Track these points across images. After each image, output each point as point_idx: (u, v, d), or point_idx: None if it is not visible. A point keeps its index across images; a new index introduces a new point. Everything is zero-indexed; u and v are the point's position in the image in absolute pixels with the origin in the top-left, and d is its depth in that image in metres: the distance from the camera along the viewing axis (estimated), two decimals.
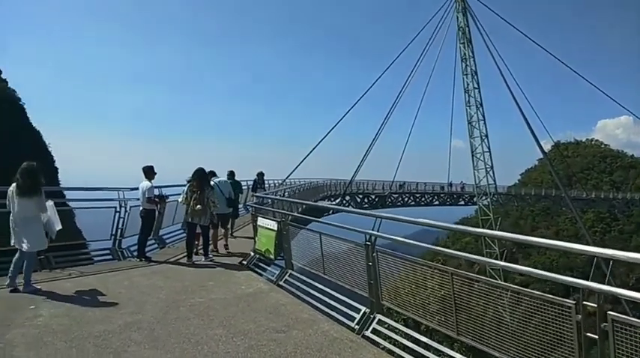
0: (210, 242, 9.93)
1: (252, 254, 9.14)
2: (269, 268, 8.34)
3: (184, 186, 11.57)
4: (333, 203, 35.14)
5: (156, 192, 9.33)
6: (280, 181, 29.15)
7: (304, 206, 15.18)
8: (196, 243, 9.80)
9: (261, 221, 8.59)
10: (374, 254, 5.38)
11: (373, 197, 47.29)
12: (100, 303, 6.09)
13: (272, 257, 8.08)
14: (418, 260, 4.99)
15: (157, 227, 10.25)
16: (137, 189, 9.29)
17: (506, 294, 4.03)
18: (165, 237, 11.28)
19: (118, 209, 9.48)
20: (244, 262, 9.12)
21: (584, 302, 3.23)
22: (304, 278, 7.19)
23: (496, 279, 46.35)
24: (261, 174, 18.76)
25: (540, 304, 3.56)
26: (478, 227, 74.79)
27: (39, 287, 6.56)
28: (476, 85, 50.98)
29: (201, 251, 9.66)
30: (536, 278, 4.55)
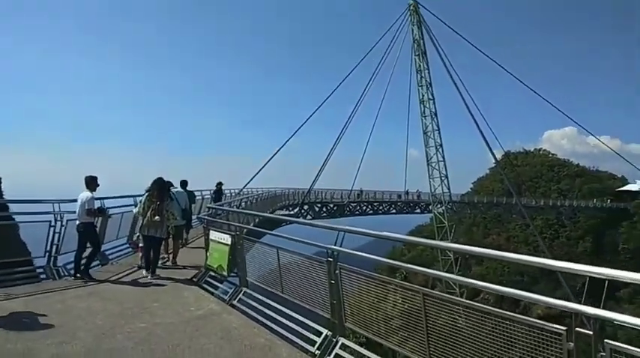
0: (165, 255, 9.83)
1: (203, 270, 8.48)
2: (221, 286, 7.71)
3: (135, 196, 11.02)
4: (291, 212, 34.58)
5: (97, 204, 8.49)
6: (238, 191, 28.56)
7: (261, 218, 14.42)
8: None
9: (214, 234, 7.97)
10: (336, 271, 4.91)
11: (332, 206, 47.00)
12: (22, 332, 5.27)
13: (225, 273, 7.46)
14: (385, 278, 4.56)
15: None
16: (76, 201, 8.41)
17: (488, 318, 3.64)
18: (108, 252, 10.37)
19: (53, 223, 8.52)
20: (195, 279, 8.45)
21: (577, 329, 2.87)
22: (260, 297, 6.64)
23: (454, 289, 47.20)
24: (219, 184, 18.18)
25: (527, 330, 3.18)
26: (433, 234, 76.40)
27: None
28: (431, 96, 52.07)
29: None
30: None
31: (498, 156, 74.79)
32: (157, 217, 8.53)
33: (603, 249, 67.56)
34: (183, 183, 13.49)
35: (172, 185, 10.21)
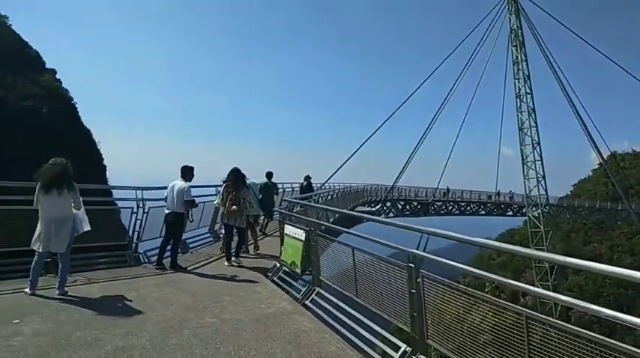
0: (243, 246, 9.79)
1: (278, 265, 8.16)
2: (295, 283, 7.30)
3: (217, 186, 11.22)
4: (373, 209, 33.75)
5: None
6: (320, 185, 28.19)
7: (339, 214, 13.72)
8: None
9: (288, 229, 7.58)
10: (418, 279, 4.24)
11: (415, 204, 45.42)
12: (93, 320, 5.22)
13: (298, 271, 7.04)
14: (479, 294, 3.79)
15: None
16: (157, 188, 8.50)
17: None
18: (188, 241, 10.49)
19: (135, 210, 8.68)
20: (269, 273, 8.16)
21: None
22: (333, 299, 6.12)
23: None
24: (308, 178, 17.86)
25: None
26: (526, 239, 71.64)
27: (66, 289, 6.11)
28: (528, 90, 48.64)
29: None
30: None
31: (604, 157, 68.39)
32: (234, 206, 8.71)
33: None
34: (269, 175, 14.05)
35: (245, 177, 9.96)
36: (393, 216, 41.70)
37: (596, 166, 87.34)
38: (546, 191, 49.89)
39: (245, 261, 9.19)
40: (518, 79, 48.90)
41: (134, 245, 8.79)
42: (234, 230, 9.10)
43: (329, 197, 16.49)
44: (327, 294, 6.35)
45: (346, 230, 6.34)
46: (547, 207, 49.90)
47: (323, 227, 7.11)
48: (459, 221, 57.13)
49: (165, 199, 8.51)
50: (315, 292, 6.53)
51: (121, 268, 8.16)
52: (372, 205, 34.55)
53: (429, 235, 4.39)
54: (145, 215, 8.82)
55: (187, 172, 8.48)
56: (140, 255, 8.80)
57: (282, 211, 8.87)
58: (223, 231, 9.81)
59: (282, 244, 7.88)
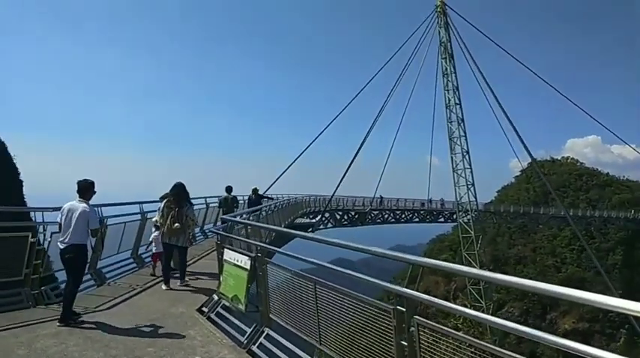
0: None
1: (216, 298, 6.82)
2: (237, 322, 5.97)
3: (142, 203, 10.20)
4: (313, 220, 32.86)
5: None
6: None
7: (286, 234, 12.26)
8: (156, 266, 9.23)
9: (229, 254, 6.26)
10: (411, 328, 3.18)
11: (353, 213, 45.08)
12: None
13: (242, 307, 5.73)
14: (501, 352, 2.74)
15: (94, 259, 7.93)
16: (59, 209, 6.52)
17: None
18: (105, 270, 8.81)
19: (32, 238, 6.88)
20: (205, 309, 6.79)
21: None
22: (289, 345, 4.92)
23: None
24: (256, 190, 16.43)
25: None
26: (456, 244, 74.01)
27: None
28: (457, 101, 50.35)
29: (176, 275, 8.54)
30: None
31: (524, 165, 72.52)
32: (176, 224, 8.02)
33: (635, 262, 64.22)
34: (229, 189, 14.29)
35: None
36: (331, 227, 40.99)
37: (518, 173, 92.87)
38: (475, 197, 51.75)
39: (172, 293, 7.78)
40: (448, 90, 50.63)
41: (31, 281, 6.94)
42: (175, 250, 8.37)
43: (269, 211, 15.11)
44: (279, 338, 5.12)
45: (305, 258, 5.00)
46: (476, 213, 51.57)
47: (269, 251, 5.83)
48: (394, 229, 57.90)
49: (59, 227, 6.28)
50: (264, 334, 5.28)
51: (14, 311, 6.42)
52: (311, 216, 33.60)
53: (422, 267, 3.37)
54: (47, 242, 7.10)
55: (87, 189, 6.32)
56: (42, 293, 7.02)
57: (219, 232, 7.37)
58: (154, 251, 9.30)
59: (220, 273, 6.52)
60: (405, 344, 3.26)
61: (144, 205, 10.29)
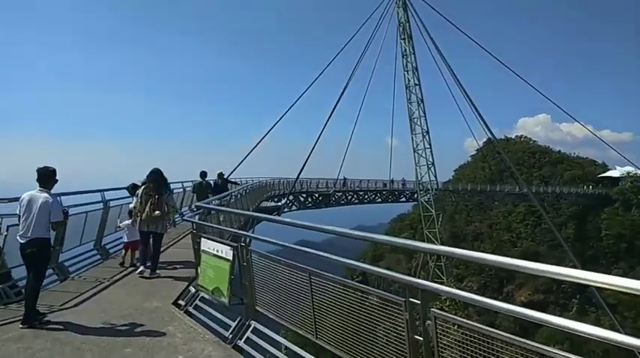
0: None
1: (193, 290, 6.45)
2: (219, 315, 5.65)
3: (103, 191, 9.71)
4: (278, 203, 32.44)
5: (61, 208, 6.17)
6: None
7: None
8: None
9: (207, 244, 5.87)
10: (428, 322, 2.98)
11: (317, 196, 44.94)
12: None
13: (225, 300, 5.39)
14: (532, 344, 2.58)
15: (55, 252, 7.35)
16: (16, 200, 5.93)
17: None
18: (67, 263, 8.21)
19: None
20: (181, 302, 6.41)
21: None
22: (278, 338, 4.66)
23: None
24: (221, 175, 15.91)
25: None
26: (416, 223, 75.60)
27: None
28: (417, 82, 50.70)
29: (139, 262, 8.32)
30: None
31: (480, 144, 74.47)
32: (157, 212, 7.91)
33: (586, 235, 67.67)
34: (203, 174, 14.34)
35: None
36: (295, 209, 40.74)
37: (474, 152, 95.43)
38: (436, 177, 52.76)
39: (143, 284, 7.35)
40: (407, 71, 50.84)
41: None
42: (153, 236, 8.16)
43: (238, 196, 14.61)
44: (267, 331, 4.86)
45: (296, 247, 4.66)
46: (436, 192, 52.59)
47: (254, 239, 5.49)
48: (355, 209, 58.27)
49: (18, 220, 5.70)
50: (251, 328, 5.00)
51: None
52: (276, 199, 33.20)
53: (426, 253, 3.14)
54: (2, 236, 6.47)
55: (48, 177, 5.72)
56: (0, 292, 6.42)
57: (194, 221, 6.89)
58: (126, 240, 9.11)
59: (198, 263, 6.12)
60: (421, 339, 3.06)
61: (105, 193, 9.67)
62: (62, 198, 7.50)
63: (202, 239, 6.02)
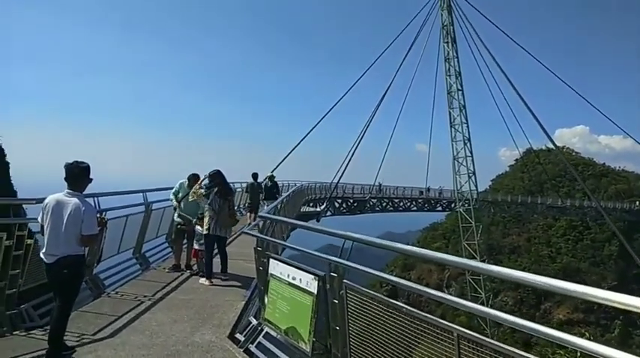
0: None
1: (254, 322, 5.18)
2: None
3: (142, 192, 8.77)
4: (318, 209, 31.13)
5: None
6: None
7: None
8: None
9: (280, 269, 4.57)
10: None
11: (352, 201, 43.45)
12: None
13: (306, 348, 4.06)
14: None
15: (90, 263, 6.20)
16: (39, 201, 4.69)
17: None
18: (102, 275, 7.11)
19: (8, 240, 5.09)
20: (239, 336, 5.14)
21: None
22: None
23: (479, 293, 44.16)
24: (272, 178, 15.53)
25: None
26: (450, 232, 73.39)
27: None
28: (459, 87, 48.97)
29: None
30: None
31: (520, 153, 71.61)
32: (235, 216, 8.07)
33: (630, 254, 64.02)
34: (255, 176, 14.73)
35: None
36: (330, 215, 39.39)
37: (512, 162, 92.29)
38: (476, 186, 50.73)
39: (192, 305, 6.16)
40: (450, 75, 49.21)
41: (7, 299, 5.15)
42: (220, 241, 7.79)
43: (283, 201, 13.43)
44: None
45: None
46: (477, 202, 50.51)
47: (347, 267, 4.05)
48: (392, 217, 56.66)
49: (41, 231, 4.52)
50: None
51: None
52: (312, 204, 31.88)
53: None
54: (29, 245, 5.37)
55: (79, 177, 4.50)
56: (21, 313, 5.30)
57: (260, 236, 5.50)
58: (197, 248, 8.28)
59: (265, 291, 4.81)
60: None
61: (148, 194, 8.61)
62: (99, 199, 6.42)
63: (271, 260, 4.72)
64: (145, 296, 6.46)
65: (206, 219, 7.57)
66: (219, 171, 7.80)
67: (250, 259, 6.13)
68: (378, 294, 3.44)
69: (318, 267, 4.06)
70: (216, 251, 7.76)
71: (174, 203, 8.24)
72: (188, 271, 8.16)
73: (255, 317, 5.30)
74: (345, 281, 3.74)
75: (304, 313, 4.07)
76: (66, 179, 4.46)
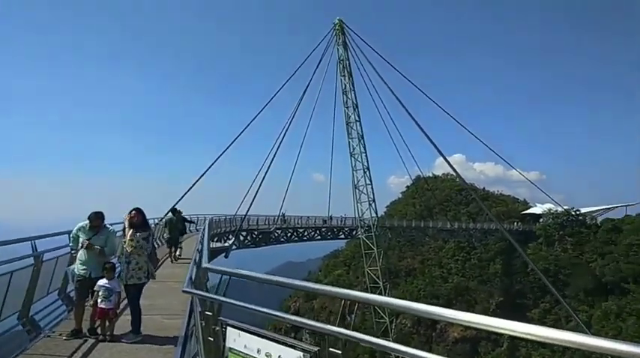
0: None
1: None
2: None
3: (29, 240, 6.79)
4: (225, 244, 29.38)
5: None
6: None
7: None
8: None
9: (244, 341, 3.51)
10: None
11: (256, 233, 42.04)
12: None
13: None
14: None
15: None
16: None
17: None
18: (37, 316, 5.43)
19: None
20: None
21: None
22: None
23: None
24: (179, 212, 15.08)
25: None
26: (350, 259, 75.15)
27: None
28: (357, 118, 50.86)
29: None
30: None
31: (409, 182, 76.03)
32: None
33: (513, 270, 70.10)
34: (174, 211, 14.84)
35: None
36: (235, 249, 37.63)
37: (404, 189, 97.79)
38: (376, 213, 52.35)
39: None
40: (348, 107, 50.95)
41: None
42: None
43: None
44: None
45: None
46: (378, 229, 52.02)
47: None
48: (293, 247, 56.01)
49: None
50: None
51: None
52: (216, 239, 29.97)
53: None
54: None
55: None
56: None
57: (208, 295, 4.24)
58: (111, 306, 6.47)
59: None
60: None
61: (37, 242, 6.91)
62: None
63: (229, 329, 3.67)
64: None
65: (130, 266, 6.50)
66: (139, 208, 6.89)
67: (170, 314, 5.02)
68: None
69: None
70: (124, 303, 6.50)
71: (76, 249, 6.67)
72: (92, 337, 6.47)
73: None
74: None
75: None
76: None
